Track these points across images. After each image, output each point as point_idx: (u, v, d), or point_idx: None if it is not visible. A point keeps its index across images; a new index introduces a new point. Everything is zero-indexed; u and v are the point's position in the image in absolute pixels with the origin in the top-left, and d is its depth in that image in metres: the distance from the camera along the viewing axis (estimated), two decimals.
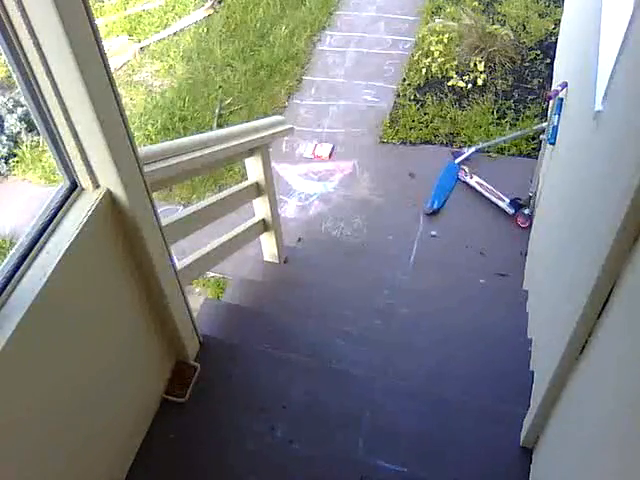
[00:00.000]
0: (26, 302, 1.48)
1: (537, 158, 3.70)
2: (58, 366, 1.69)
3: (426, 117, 4.58)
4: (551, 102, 3.21)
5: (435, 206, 3.97)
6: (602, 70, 2.04)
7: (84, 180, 1.71)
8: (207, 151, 2.32)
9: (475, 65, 4.80)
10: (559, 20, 4.82)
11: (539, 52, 4.90)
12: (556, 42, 4.71)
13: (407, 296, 3.19)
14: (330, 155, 4.50)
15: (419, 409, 2.37)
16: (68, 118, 1.56)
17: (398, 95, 4.80)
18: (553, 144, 3.13)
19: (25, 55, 1.45)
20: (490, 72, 4.80)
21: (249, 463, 2.22)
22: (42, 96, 1.53)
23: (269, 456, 2.24)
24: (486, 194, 3.97)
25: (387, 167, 4.36)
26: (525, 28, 5.12)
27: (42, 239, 1.61)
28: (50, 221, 1.64)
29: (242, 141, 2.58)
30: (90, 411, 1.89)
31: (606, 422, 1.28)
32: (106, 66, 1.56)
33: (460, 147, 4.32)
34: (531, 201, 3.70)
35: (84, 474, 1.93)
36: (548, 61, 4.79)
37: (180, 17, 5.82)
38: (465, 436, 2.26)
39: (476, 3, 5.39)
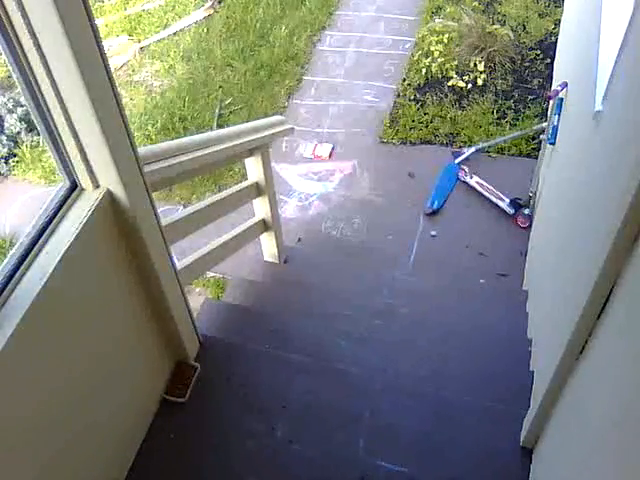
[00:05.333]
0: (26, 302, 1.48)
1: (537, 158, 3.69)
2: (58, 366, 1.69)
3: (426, 117, 4.57)
4: (551, 102, 3.20)
5: (435, 206, 3.97)
6: (602, 70, 2.04)
7: (84, 180, 1.71)
8: (207, 151, 2.32)
9: (475, 65, 4.80)
10: (559, 20, 4.82)
11: (539, 52, 4.89)
12: (556, 42, 4.70)
13: (407, 296, 3.19)
14: (330, 155, 4.49)
15: (419, 409, 2.37)
16: (68, 118, 1.56)
17: (398, 95, 4.79)
18: (553, 144, 3.13)
19: (25, 55, 1.45)
20: (490, 72, 4.80)
21: (249, 463, 2.22)
22: (42, 96, 1.53)
23: (269, 456, 2.24)
24: (486, 194, 3.96)
25: (387, 167, 4.35)
26: (525, 28, 5.12)
27: (42, 239, 1.61)
28: (50, 221, 1.64)
29: (242, 141, 2.58)
30: (89, 411, 1.88)
31: (606, 422, 1.28)
32: (106, 66, 1.56)
33: (460, 147, 4.32)
34: (531, 201, 3.70)
35: (84, 474, 1.93)
36: (548, 61, 4.78)
37: (180, 17, 5.81)
38: (465, 436, 2.26)
39: (476, 3, 5.39)
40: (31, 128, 4.70)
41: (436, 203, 3.99)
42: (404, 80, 4.89)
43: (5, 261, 1.54)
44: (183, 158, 2.17)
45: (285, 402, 2.38)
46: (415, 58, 5.02)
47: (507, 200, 3.85)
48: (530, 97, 4.60)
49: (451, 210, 4.00)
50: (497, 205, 3.90)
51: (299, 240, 3.88)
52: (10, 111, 4.79)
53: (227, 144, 2.47)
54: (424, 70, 4.85)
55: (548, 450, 1.90)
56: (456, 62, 4.87)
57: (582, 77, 2.61)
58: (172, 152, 2.14)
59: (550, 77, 4.61)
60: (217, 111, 4.86)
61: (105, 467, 2.06)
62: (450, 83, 4.75)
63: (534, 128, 4.16)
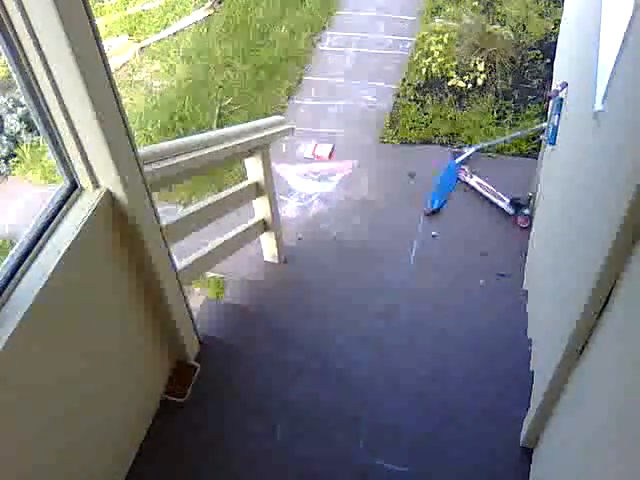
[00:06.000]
0: (26, 302, 1.48)
1: (537, 158, 3.69)
2: (58, 366, 1.69)
3: (426, 117, 4.57)
4: (551, 102, 3.20)
5: (435, 206, 3.97)
6: (602, 70, 2.04)
7: (84, 180, 1.71)
8: (207, 151, 2.32)
9: (475, 65, 4.80)
10: (559, 20, 4.82)
11: (539, 52, 4.90)
12: (556, 42, 4.70)
13: (407, 296, 3.19)
14: (330, 155, 4.49)
15: (419, 409, 2.37)
16: (68, 118, 1.57)
17: (398, 95, 4.79)
18: (553, 144, 3.13)
19: (25, 55, 1.45)
20: (490, 72, 4.79)
21: (249, 463, 2.22)
22: (42, 96, 1.53)
23: (269, 456, 2.24)
24: (486, 194, 3.96)
25: (387, 167, 4.35)
26: (525, 28, 5.12)
27: (42, 239, 1.61)
28: (50, 221, 1.65)
29: (242, 141, 2.58)
30: (90, 411, 1.89)
31: (606, 421, 1.28)
32: (106, 66, 1.56)
33: (460, 147, 4.32)
34: (531, 201, 3.70)
35: (84, 474, 1.93)
36: (548, 61, 4.78)
37: (180, 17, 5.81)
38: (465, 436, 2.26)
39: (476, 3, 5.39)
40: (31, 128, 4.70)
41: (436, 203, 3.99)
42: (404, 80, 4.89)
43: (5, 260, 1.54)
44: (183, 158, 2.17)
45: (285, 402, 2.38)
46: (415, 58, 5.02)
47: (507, 200, 3.85)
48: (530, 97, 4.59)
49: (451, 210, 4.00)
50: (497, 205, 3.90)
51: (299, 240, 3.88)
52: (10, 111, 4.80)
53: (227, 144, 2.47)
54: (424, 70, 4.85)
55: (548, 450, 1.90)
56: (456, 62, 4.87)
57: (582, 77, 2.61)
58: (172, 152, 2.14)
59: (550, 77, 4.60)
60: (217, 111, 4.86)
61: (105, 467, 2.06)
62: (450, 83, 4.75)
63: (534, 128, 4.16)
